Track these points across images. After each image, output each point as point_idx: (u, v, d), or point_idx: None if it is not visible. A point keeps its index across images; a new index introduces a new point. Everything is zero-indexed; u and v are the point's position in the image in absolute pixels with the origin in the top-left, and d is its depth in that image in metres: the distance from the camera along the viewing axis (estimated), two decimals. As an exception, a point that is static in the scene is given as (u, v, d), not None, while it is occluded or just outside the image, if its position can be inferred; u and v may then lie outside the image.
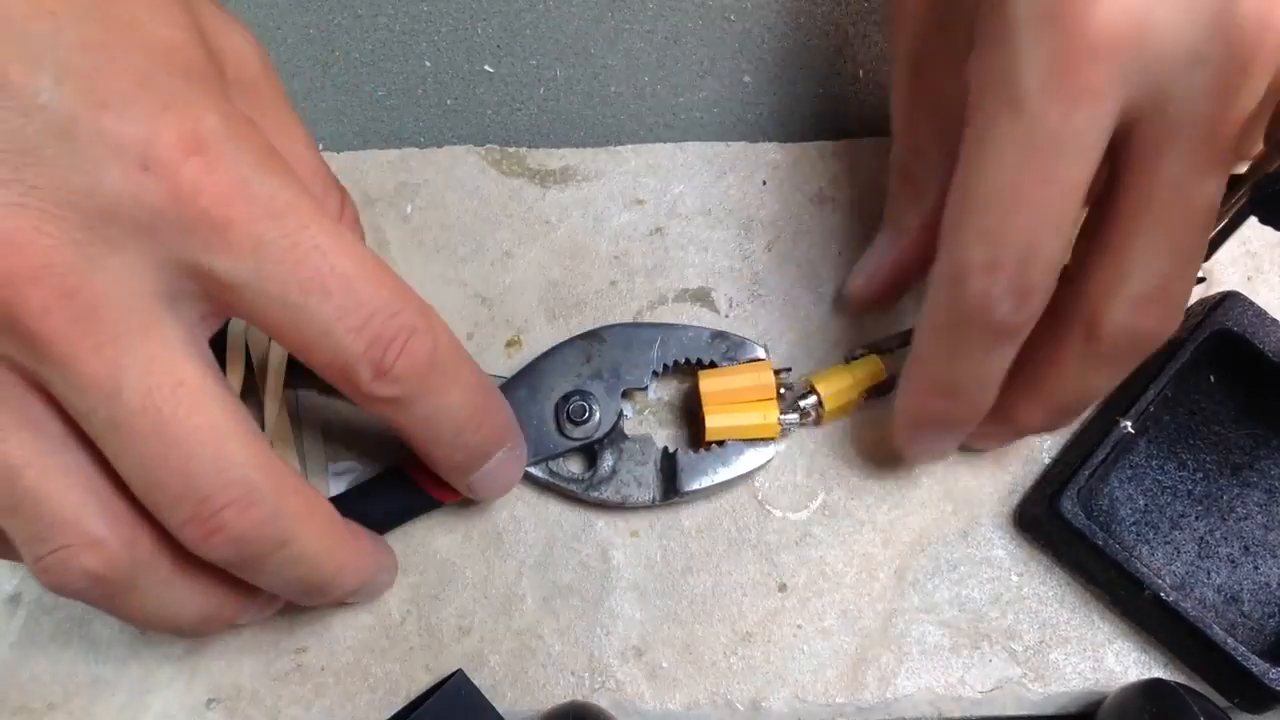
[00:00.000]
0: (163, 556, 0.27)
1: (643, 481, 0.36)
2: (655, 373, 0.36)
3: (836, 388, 0.36)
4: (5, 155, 0.22)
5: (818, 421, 0.36)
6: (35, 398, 0.24)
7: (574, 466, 0.37)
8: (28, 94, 0.22)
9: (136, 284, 0.23)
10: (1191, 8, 0.24)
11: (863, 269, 0.37)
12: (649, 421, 0.38)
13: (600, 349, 0.36)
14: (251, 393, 0.35)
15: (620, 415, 0.36)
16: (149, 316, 0.24)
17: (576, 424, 0.35)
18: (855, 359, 0.37)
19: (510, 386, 0.36)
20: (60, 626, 0.36)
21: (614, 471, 0.36)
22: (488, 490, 0.32)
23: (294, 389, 0.36)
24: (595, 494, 0.36)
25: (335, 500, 0.34)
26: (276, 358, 0.35)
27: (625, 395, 0.36)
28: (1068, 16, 0.24)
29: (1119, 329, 0.28)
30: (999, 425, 0.32)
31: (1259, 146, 0.31)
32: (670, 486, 0.35)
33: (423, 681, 0.35)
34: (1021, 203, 0.25)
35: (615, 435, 0.36)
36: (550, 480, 0.36)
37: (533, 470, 0.36)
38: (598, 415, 0.35)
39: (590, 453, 0.36)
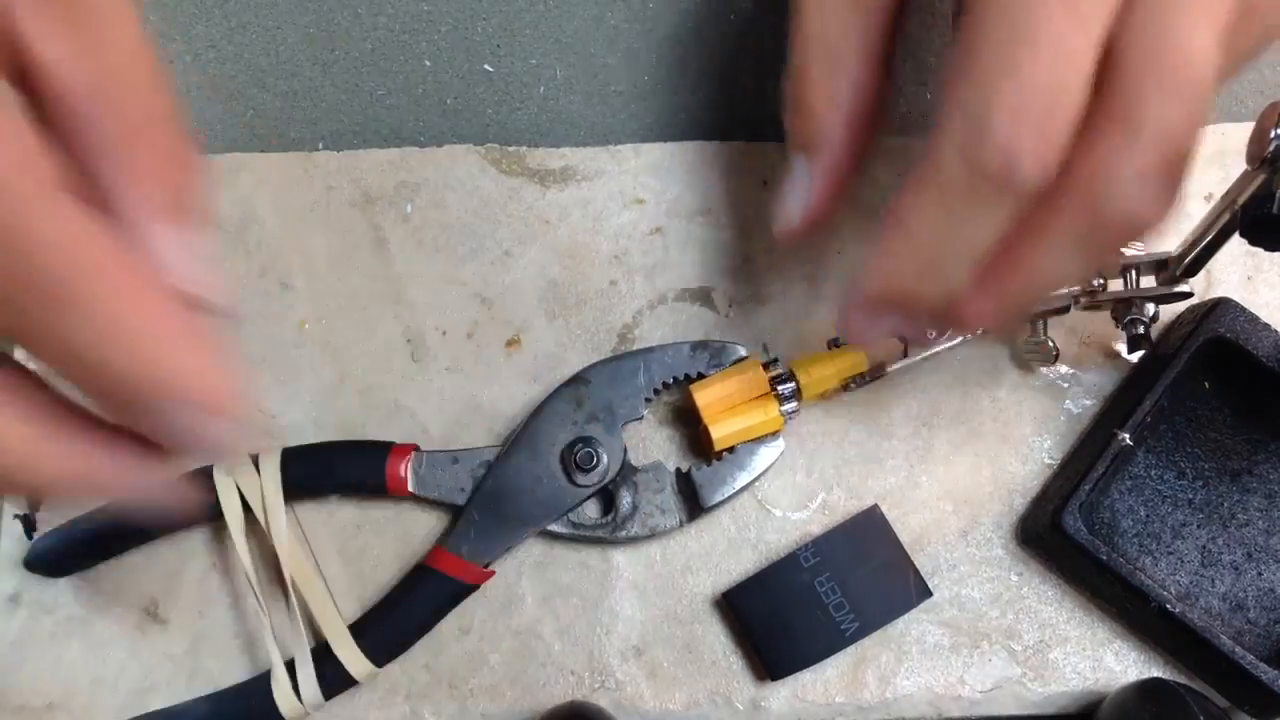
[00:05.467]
0: None
1: (665, 508, 0.36)
2: (647, 399, 0.36)
3: (818, 374, 0.35)
4: None
5: (795, 401, 0.35)
6: None
7: (590, 511, 0.36)
8: None
9: None
10: None
11: (787, 208, 0.33)
12: (654, 448, 0.37)
13: (588, 391, 0.36)
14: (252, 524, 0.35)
15: (625, 450, 0.35)
16: None
17: (586, 471, 0.35)
18: (838, 346, 0.36)
19: (510, 452, 0.35)
20: (60, 626, 0.36)
21: (635, 507, 0.35)
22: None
23: (290, 507, 0.35)
24: (623, 533, 0.35)
25: (372, 611, 0.35)
26: (271, 488, 0.35)
27: (624, 428, 0.36)
28: None
29: (1124, 204, 0.25)
30: (940, 319, 0.30)
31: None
32: (694, 505, 0.35)
33: (422, 681, 0.35)
34: (1049, 36, 0.23)
35: (625, 470, 0.36)
36: (575, 533, 0.35)
37: (554, 527, 0.35)
38: (605, 458, 0.35)
39: (605, 494, 0.36)
